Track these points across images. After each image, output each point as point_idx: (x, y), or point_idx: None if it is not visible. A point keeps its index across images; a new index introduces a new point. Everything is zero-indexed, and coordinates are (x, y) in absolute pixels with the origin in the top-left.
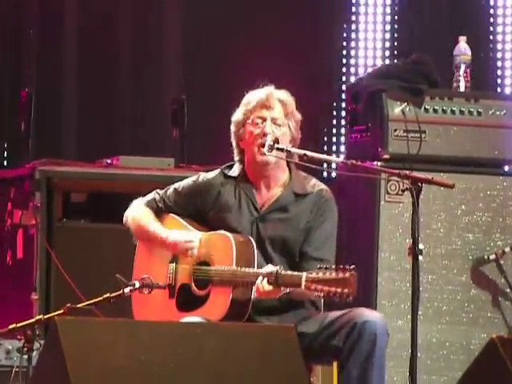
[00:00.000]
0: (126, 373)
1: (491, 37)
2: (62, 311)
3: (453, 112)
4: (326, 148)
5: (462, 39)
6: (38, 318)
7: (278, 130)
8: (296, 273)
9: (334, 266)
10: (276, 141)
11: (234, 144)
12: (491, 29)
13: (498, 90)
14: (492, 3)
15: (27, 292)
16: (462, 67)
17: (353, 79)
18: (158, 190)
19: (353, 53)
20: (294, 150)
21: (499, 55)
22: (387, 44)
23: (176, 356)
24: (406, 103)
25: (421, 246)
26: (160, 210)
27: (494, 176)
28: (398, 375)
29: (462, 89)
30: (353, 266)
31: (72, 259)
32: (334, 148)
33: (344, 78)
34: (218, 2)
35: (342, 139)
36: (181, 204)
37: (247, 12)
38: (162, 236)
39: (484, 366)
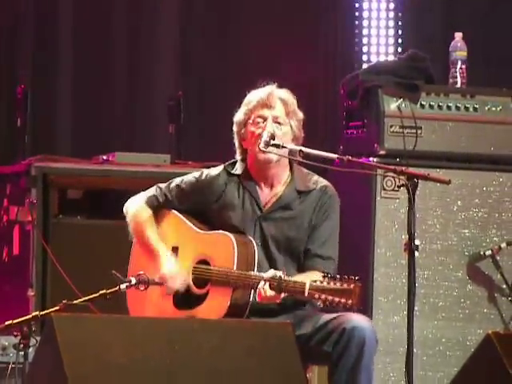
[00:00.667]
0: (123, 369)
1: None
2: (58, 307)
3: (449, 108)
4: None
5: (458, 35)
6: (34, 314)
7: (280, 129)
8: (300, 280)
9: (338, 276)
10: (272, 137)
11: (236, 144)
12: None
13: None
14: None
15: (23, 288)
16: (458, 63)
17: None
18: (159, 184)
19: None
20: (289, 145)
21: None
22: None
23: (172, 352)
24: (401, 99)
25: (417, 242)
26: (161, 206)
27: (490, 172)
28: (394, 371)
29: (459, 85)
30: (357, 277)
31: (68, 255)
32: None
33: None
34: None
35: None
36: (183, 200)
37: (243, 9)
38: (154, 251)
39: (480, 362)
